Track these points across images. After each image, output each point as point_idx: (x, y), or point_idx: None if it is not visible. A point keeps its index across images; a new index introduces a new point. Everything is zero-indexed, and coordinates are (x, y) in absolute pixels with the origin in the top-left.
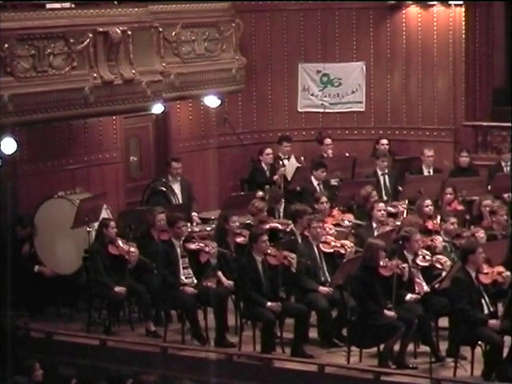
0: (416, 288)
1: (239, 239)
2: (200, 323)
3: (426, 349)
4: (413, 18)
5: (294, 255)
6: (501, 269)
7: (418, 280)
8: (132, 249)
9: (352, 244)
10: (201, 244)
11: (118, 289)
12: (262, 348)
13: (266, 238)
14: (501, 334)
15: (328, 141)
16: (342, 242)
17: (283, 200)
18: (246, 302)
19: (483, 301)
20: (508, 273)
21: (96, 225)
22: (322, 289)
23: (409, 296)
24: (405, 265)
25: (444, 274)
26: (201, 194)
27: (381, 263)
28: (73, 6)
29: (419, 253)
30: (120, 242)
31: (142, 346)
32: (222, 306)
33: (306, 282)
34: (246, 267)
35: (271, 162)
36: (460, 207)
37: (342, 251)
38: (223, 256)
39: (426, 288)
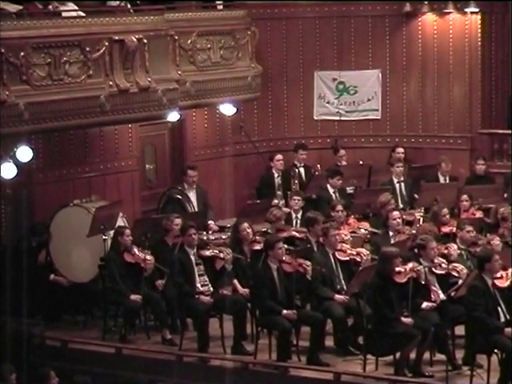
0: (432, 296)
1: (256, 247)
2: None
3: (442, 357)
4: (429, 25)
5: (309, 263)
6: None
7: (433, 288)
8: (148, 256)
9: (368, 252)
10: (215, 250)
11: (133, 297)
12: (277, 356)
13: (281, 245)
14: None
15: (342, 152)
16: (358, 249)
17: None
18: (262, 310)
19: (499, 309)
20: None
21: (112, 233)
22: (337, 297)
23: (425, 304)
24: (420, 267)
25: (460, 282)
26: (216, 202)
27: (396, 269)
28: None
29: (435, 260)
30: (136, 250)
31: (158, 354)
32: (241, 314)
33: (321, 290)
34: (262, 275)
35: (282, 168)
36: (476, 214)
37: (358, 259)
38: (239, 263)
39: (442, 296)
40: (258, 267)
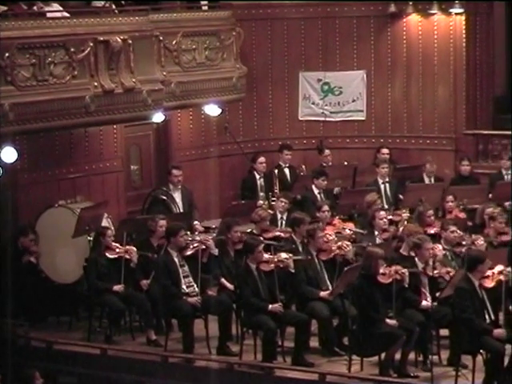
0: (422, 298)
1: (239, 246)
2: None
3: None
4: (413, 26)
5: (286, 255)
6: (500, 267)
7: (423, 290)
8: (128, 247)
9: (349, 243)
10: (195, 245)
11: (116, 287)
12: (262, 357)
13: (261, 248)
14: (503, 343)
15: (327, 152)
16: (339, 244)
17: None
18: (247, 311)
19: (485, 310)
20: (509, 268)
21: None
22: (323, 293)
23: (424, 303)
24: (404, 270)
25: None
26: (201, 203)
27: (380, 271)
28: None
29: (430, 262)
30: (116, 245)
31: (143, 355)
32: (226, 315)
33: (306, 290)
34: (243, 275)
35: (264, 170)
36: (461, 215)
37: (340, 252)
38: (224, 264)
39: (429, 301)
40: (240, 268)
